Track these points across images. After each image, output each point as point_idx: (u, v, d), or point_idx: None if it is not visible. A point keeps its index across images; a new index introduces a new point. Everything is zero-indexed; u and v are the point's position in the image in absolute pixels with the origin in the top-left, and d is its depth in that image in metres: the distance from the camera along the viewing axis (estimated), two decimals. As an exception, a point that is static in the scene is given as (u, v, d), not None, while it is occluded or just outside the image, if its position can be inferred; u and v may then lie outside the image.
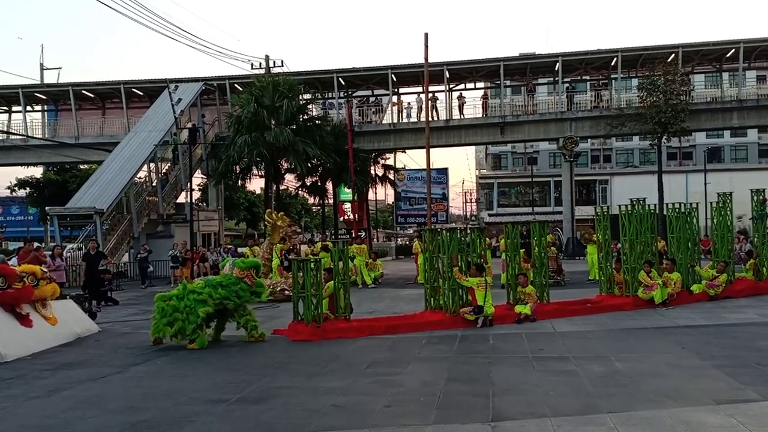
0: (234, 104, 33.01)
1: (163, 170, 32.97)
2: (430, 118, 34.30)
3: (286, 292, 16.60)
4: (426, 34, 28.82)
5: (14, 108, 39.00)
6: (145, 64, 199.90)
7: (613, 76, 35.92)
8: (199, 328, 10.48)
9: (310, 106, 35.08)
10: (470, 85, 38.90)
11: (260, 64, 36.55)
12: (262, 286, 11.40)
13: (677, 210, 15.53)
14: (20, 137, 35.76)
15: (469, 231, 13.20)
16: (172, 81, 33.65)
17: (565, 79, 36.07)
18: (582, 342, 10.07)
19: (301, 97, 33.16)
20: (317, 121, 33.51)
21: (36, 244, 17.89)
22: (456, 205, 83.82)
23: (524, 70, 37.22)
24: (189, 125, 28.88)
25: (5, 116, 39.88)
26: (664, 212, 17.28)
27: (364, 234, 36.56)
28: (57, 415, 6.61)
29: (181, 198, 33.32)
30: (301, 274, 11.27)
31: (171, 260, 24.43)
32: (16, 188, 48.01)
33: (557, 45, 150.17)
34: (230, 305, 10.80)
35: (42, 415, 6.66)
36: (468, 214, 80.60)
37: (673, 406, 6.26)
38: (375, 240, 51.98)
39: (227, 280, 10.99)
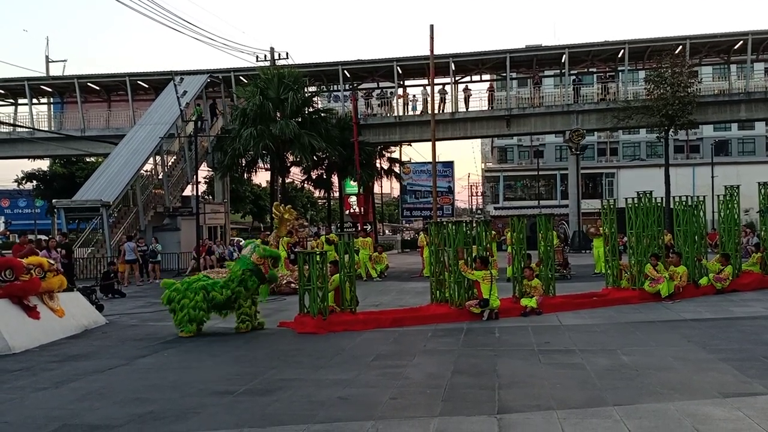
0: (239, 96, 32.99)
1: (170, 162, 32.98)
2: (440, 110, 34.33)
3: (292, 285, 16.64)
4: (432, 26, 28.85)
5: (20, 100, 39.08)
6: (150, 56, 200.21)
7: (620, 68, 35.70)
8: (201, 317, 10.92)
9: (315, 99, 35.03)
10: (476, 78, 38.74)
11: (265, 56, 36.51)
12: (275, 279, 11.74)
13: (684, 203, 15.46)
14: (26, 130, 35.83)
15: (474, 224, 13.18)
16: (177, 73, 33.61)
17: (572, 72, 35.86)
18: (588, 335, 10.06)
19: (306, 90, 33.10)
20: (322, 114, 33.47)
21: (42, 237, 17.84)
22: (462, 198, 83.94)
23: (530, 63, 37.02)
24: (195, 118, 28.82)
25: (11, 109, 39.97)
26: (671, 205, 17.19)
27: (369, 227, 36.55)
28: (64, 407, 6.66)
29: (187, 191, 33.38)
30: (307, 266, 11.31)
31: (150, 255, 23.61)
32: (23, 181, 48.17)
33: (564, 37, 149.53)
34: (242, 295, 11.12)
35: (49, 406, 6.71)
36: (474, 207, 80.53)
37: (680, 399, 6.25)
38: (381, 233, 51.99)
39: (233, 275, 11.17)
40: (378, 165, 40.12)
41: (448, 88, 35.49)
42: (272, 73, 31.31)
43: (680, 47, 33.12)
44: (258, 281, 11.13)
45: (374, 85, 38.53)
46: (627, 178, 56.33)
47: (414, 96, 36.49)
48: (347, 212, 44.16)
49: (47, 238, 21.91)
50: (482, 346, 9.39)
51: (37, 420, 6.19)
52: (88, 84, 37.68)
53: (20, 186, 50.17)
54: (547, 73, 39.40)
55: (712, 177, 45.47)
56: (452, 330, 10.81)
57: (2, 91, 38.86)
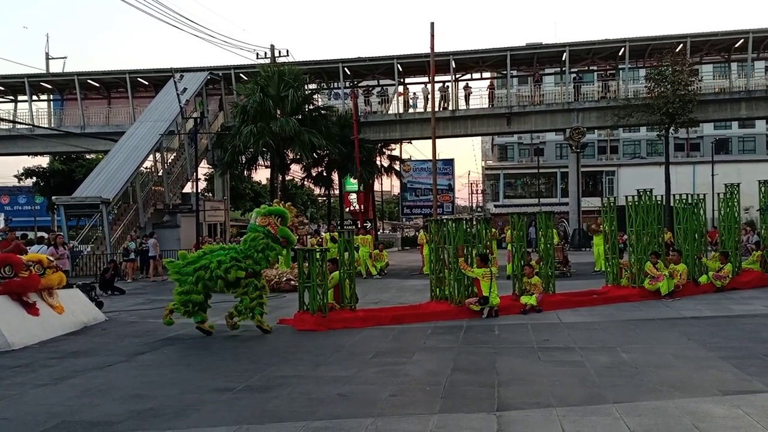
0: (239, 93, 32.97)
1: (169, 160, 32.95)
2: (442, 108, 34.32)
3: (292, 282, 16.64)
4: (432, 24, 28.78)
5: (20, 97, 39.06)
6: (150, 54, 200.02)
7: (620, 66, 35.66)
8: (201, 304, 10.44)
9: (315, 96, 34.98)
10: (476, 75, 38.69)
11: (265, 53, 36.47)
12: (289, 237, 10.77)
13: (684, 201, 15.46)
14: (26, 126, 35.81)
15: (474, 222, 13.17)
16: (177, 70, 33.60)
17: (572, 70, 35.81)
18: (588, 333, 10.05)
19: (306, 87, 33.05)
20: (323, 111, 33.44)
21: (43, 234, 17.84)
22: (462, 196, 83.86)
23: (531, 60, 36.96)
24: (195, 114, 28.85)
25: (11, 105, 39.97)
26: (671, 203, 17.19)
27: (369, 225, 36.51)
28: (63, 403, 6.65)
29: (187, 188, 33.37)
30: (307, 264, 11.29)
31: (123, 253, 23.22)
32: (23, 177, 48.12)
33: (565, 36, 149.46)
34: (255, 266, 10.45)
35: (49, 402, 6.71)
36: (474, 205, 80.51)
37: (679, 397, 6.25)
38: (381, 231, 51.98)
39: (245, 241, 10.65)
40: (378, 162, 40.08)
41: (448, 85, 35.46)
42: (272, 71, 31.27)
43: (681, 45, 33.08)
44: (272, 245, 10.50)
45: (375, 82, 38.48)
46: (627, 176, 56.25)
47: (414, 93, 36.47)
48: (347, 210, 44.11)
49: (47, 236, 21.85)
50: (482, 344, 9.39)
51: (37, 416, 6.18)
52: (88, 81, 37.65)
53: (20, 182, 50.06)
54: (547, 71, 39.31)
55: (713, 175, 45.42)
56: (452, 327, 10.80)
57: (2, 88, 38.83)
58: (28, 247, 18.05)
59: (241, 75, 35.86)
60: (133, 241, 23.88)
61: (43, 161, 47.68)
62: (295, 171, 39.68)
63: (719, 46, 35.02)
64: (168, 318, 10.61)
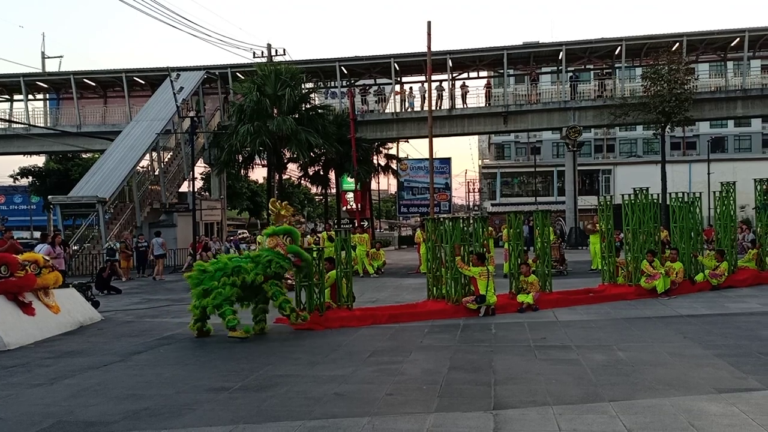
0: (236, 92, 32.90)
1: (166, 159, 32.90)
2: (439, 107, 34.31)
3: (289, 281, 16.62)
4: (429, 23, 28.72)
5: (16, 96, 38.94)
6: (146, 52, 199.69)
7: (617, 65, 35.70)
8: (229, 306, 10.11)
9: (312, 95, 34.96)
10: (473, 74, 38.71)
11: (262, 52, 36.40)
12: (299, 254, 10.55)
13: (680, 200, 15.49)
14: (22, 126, 35.71)
15: (471, 220, 13.18)
16: (173, 69, 33.55)
17: (569, 68, 35.84)
18: (584, 331, 10.07)
19: (303, 86, 33.03)
20: (320, 110, 33.40)
21: (49, 233, 17.72)
22: (459, 194, 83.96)
23: (528, 59, 36.96)
24: (191, 114, 28.81)
25: (7, 105, 39.85)
26: (667, 202, 17.23)
27: (366, 224, 36.50)
28: (59, 403, 6.64)
29: (184, 187, 33.31)
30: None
31: (107, 252, 22.65)
32: (19, 177, 48.00)
33: (561, 35, 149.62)
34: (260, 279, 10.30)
35: (44, 402, 6.69)
36: (471, 203, 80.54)
37: (675, 395, 6.27)
38: (378, 230, 51.97)
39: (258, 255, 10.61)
40: (375, 161, 40.06)
41: (445, 84, 35.47)
42: (269, 70, 31.20)
43: (677, 44, 33.13)
44: (282, 264, 10.40)
45: (371, 81, 38.45)
46: (624, 174, 56.35)
47: (411, 91, 36.45)
48: (344, 208, 44.10)
49: (45, 234, 21.80)
50: (479, 342, 9.39)
51: (33, 416, 6.17)
52: (84, 80, 37.56)
53: (16, 182, 49.93)
54: (544, 69, 39.33)
55: (709, 173, 45.52)
56: (449, 326, 10.81)
57: (-2, 87, 38.74)
58: (39, 245, 18.06)
59: (238, 74, 35.82)
60: (119, 241, 23.60)
61: (39, 160, 47.58)
62: (292, 170, 39.65)
63: (715, 45, 35.08)
64: (240, 333, 9.99)
